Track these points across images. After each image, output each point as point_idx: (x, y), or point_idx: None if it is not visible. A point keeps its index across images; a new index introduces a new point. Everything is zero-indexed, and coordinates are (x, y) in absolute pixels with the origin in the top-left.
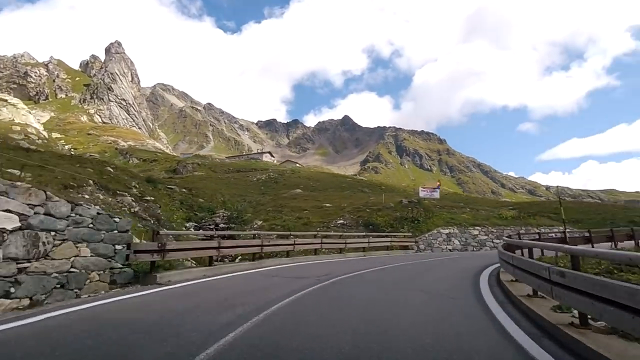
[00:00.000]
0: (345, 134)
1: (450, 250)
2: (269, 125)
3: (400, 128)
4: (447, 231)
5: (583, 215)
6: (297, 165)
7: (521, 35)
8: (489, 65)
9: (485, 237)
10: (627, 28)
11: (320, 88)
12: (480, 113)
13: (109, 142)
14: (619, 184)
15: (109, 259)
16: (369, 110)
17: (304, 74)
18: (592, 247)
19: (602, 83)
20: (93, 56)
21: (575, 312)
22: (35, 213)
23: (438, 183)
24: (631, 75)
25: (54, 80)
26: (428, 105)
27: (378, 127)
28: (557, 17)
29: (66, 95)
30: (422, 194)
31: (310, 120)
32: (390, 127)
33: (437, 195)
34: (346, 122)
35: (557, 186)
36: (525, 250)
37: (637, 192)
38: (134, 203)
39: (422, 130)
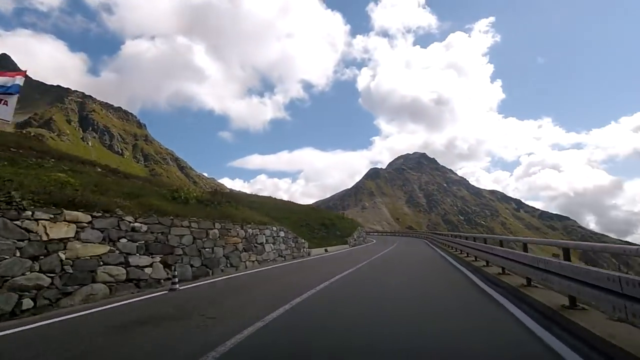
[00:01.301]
0: None
1: None
2: None
3: (90, 96)
4: None
5: (279, 213)
6: None
7: (235, 52)
8: (205, 66)
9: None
10: (299, 80)
11: None
12: (189, 109)
13: None
14: (277, 194)
15: None
16: (50, 62)
17: None
18: None
19: (281, 115)
20: None
21: None
22: None
23: (20, 74)
24: (297, 116)
25: None
26: (135, 83)
27: (58, 86)
28: (261, 49)
29: None
30: None
31: None
32: (76, 91)
33: (7, 114)
34: (3, 63)
35: None
36: None
37: (289, 200)
38: None
39: (120, 108)
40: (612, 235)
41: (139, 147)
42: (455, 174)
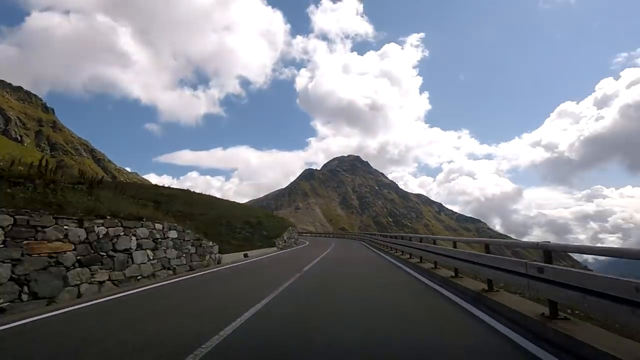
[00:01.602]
0: None
1: None
2: None
3: None
4: None
5: (192, 208)
6: None
7: (167, 39)
8: (131, 51)
9: None
10: (237, 76)
11: None
12: (110, 96)
13: None
14: (209, 193)
15: None
16: None
17: None
18: None
19: (216, 111)
20: None
21: None
22: None
23: None
24: (233, 112)
25: None
26: (42, 62)
27: None
28: (196, 39)
29: None
30: None
31: None
32: None
33: None
34: None
35: None
36: None
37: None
38: None
39: (21, 88)
40: (512, 236)
41: (44, 134)
42: (387, 178)
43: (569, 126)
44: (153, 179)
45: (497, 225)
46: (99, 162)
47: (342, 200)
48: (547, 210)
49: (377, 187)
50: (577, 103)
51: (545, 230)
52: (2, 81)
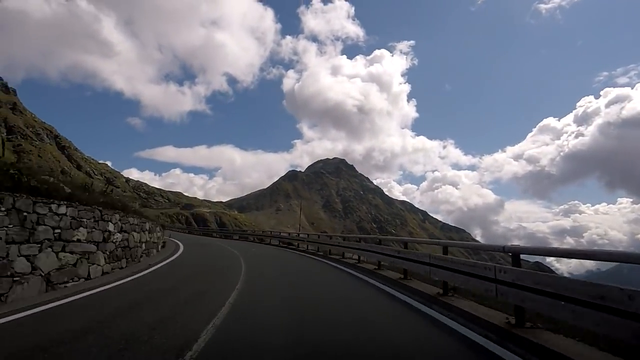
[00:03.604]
0: None
1: None
2: None
3: None
4: None
5: None
6: None
7: (152, 30)
8: (115, 41)
9: None
10: (224, 73)
11: None
12: (89, 87)
13: None
14: (191, 191)
15: None
16: None
17: None
18: None
19: (201, 108)
20: None
21: None
22: None
23: None
24: (219, 111)
25: None
26: (15, 44)
27: None
28: (183, 33)
29: None
30: None
31: None
32: None
33: None
34: None
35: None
36: None
37: (195, 197)
38: None
39: None
40: None
41: (2, 115)
42: (372, 183)
43: (550, 141)
44: (134, 174)
45: (477, 236)
46: (64, 150)
47: (326, 203)
48: (527, 224)
49: (361, 192)
50: (559, 119)
51: (524, 243)
52: None
